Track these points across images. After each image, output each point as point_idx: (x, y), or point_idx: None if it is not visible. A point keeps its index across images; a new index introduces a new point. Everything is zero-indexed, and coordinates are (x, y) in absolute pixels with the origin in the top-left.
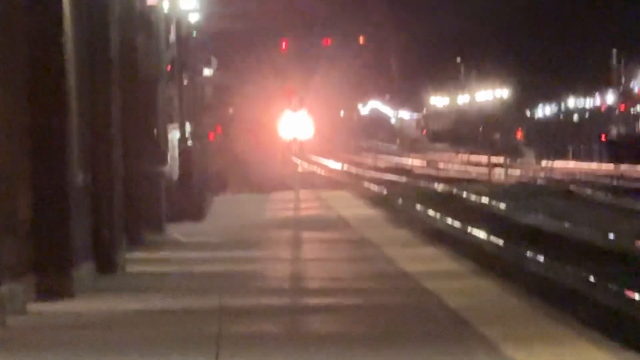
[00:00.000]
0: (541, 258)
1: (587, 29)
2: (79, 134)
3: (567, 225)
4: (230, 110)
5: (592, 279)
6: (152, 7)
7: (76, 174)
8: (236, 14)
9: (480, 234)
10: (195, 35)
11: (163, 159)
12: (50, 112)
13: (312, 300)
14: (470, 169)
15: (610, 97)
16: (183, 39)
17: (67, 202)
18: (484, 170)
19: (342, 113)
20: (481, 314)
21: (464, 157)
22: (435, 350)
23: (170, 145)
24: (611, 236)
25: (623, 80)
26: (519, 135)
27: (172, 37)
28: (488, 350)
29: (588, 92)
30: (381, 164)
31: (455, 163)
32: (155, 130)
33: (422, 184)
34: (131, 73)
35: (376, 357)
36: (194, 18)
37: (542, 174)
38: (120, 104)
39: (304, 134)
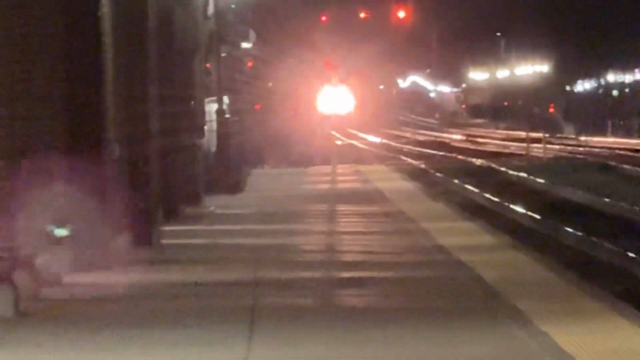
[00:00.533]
0: (578, 232)
1: (627, 3)
2: (115, 107)
3: (604, 200)
4: (270, 84)
5: (629, 254)
6: None
7: (113, 147)
8: None
9: (518, 208)
10: (233, 7)
11: (200, 132)
12: (87, 84)
13: (347, 274)
14: (509, 143)
15: None
16: (221, 11)
17: (102, 174)
18: (523, 145)
19: (381, 87)
20: (515, 287)
21: (503, 132)
22: (469, 324)
23: (208, 118)
24: None
25: None
26: (552, 109)
27: (211, 9)
28: (522, 323)
29: (627, 67)
30: (420, 138)
31: (495, 138)
32: (192, 103)
33: (460, 158)
34: (168, 45)
35: (410, 330)
36: None
37: (581, 149)
38: (157, 77)
39: (344, 109)
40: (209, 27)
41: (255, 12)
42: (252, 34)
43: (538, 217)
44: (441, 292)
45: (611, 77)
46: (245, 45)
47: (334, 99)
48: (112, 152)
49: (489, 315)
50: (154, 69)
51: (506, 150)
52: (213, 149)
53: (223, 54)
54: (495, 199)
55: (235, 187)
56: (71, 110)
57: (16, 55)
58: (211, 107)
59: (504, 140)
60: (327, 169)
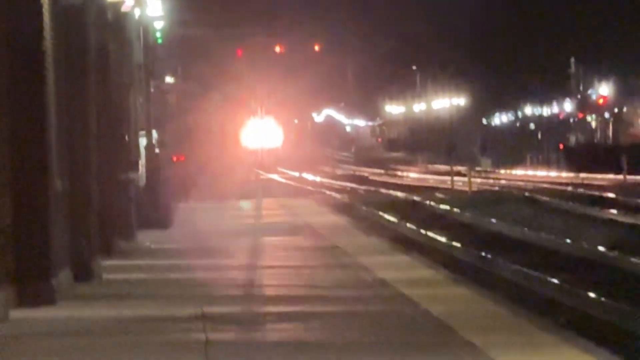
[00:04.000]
0: (515, 266)
1: (543, 38)
2: (57, 141)
3: (535, 233)
4: (192, 118)
5: (565, 286)
6: (124, 14)
7: (55, 181)
8: (196, 22)
9: (450, 242)
10: (160, 42)
11: (135, 166)
12: (30, 120)
13: (294, 308)
14: (429, 177)
15: (568, 106)
16: (150, 46)
17: (47, 209)
18: (443, 178)
19: (295, 121)
20: (465, 321)
21: (422, 165)
22: (424, 358)
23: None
24: (580, 244)
25: (581, 88)
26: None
27: (140, 43)
28: (476, 356)
29: (545, 100)
30: (339, 172)
31: (414, 171)
32: (126, 137)
33: (384, 192)
34: (104, 79)
35: None
36: (159, 25)
37: (503, 182)
38: (95, 111)
39: (271, 142)
40: (139, 62)
41: (180, 47)
42: (179, 69)
43: (473, 251)
44: (392, 327)
45: (528, 110)
46: (170, 80)
47: (260, 132)
48: (55, 187)
49: (445, 349)
50: (93, 103)
51: (427, 184)
52: (142, 183)
53: (151, 89)
54: (428, 233)
55: (166, 221)
56: (14, 145)
57: None
58: (141, 142)
59: (424, 173)
60: (252, 203)
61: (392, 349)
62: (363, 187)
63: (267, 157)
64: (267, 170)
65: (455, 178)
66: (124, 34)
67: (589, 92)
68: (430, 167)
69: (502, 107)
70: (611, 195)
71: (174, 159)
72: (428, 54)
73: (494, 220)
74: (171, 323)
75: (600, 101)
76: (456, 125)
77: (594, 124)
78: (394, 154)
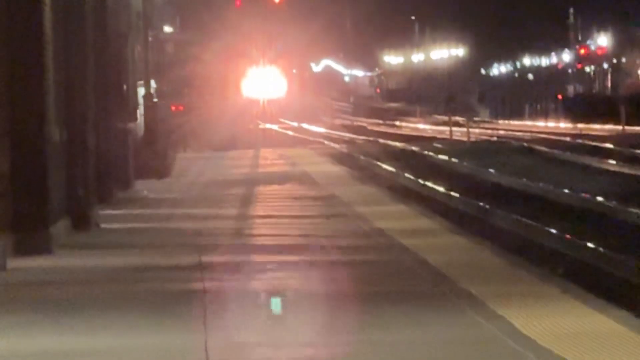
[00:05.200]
0: (512, 215)
1: None
2: (55, 90)
3: (531, 182)
4: (191, 68)
5: (563, 235)
6: None
7: (53, 131)
8: None
9: (448, 191)
10: None
11: (133, 116)
12: (28, 68)
13: (291, 257)
14: (428, 127)
15: (567, 56)
16: None
17: (44, 158)
18: (441, 128)
19: (294, 71)
20: (462, 271)
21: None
22: (424, 308)
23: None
24: (578, 194)
25: (579, 38)
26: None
27: None
28: (475, 306)
29: (544, 51)
30: (337, 122)
31: (411, 121)
32: (125, 87)
33: (382, 142)
34: (101, 28)
35: (365, 315)
36: None
37: (501, 132)
38: (93, 61)
39: (274, 92)
40: (137, 10)
41: None
42: (177, 18)
43: (471, 200)
44: (389, 276)
45: (527, 60)
46: (169, 29)
47: (262, 82)
48: (52, 136)
49: (442, 298)
50: (91, 52)
51: (426, 135)
52: (140, 133)
53: (149, 38)
54: (426, 183)
55: (164, 170)
56: (11, 93)
57: None
58: (139, 91)
59: (423, 123)
60: (251, 152)
61: (389, 298)
62: (361, 137)
63: (270, 107)
64: (269, 121)
65: (454, 128)
66: None
67: (588, 42)
68: (429, 117)
69: (501, 57)
70: (609, 145)
71: (173, 108)
72: (426, 4)
73: (492, 170)
74: (169, 272)
75: (599, 52)
76: (454, 75)
77: (592, 75)
78: (393, 104)
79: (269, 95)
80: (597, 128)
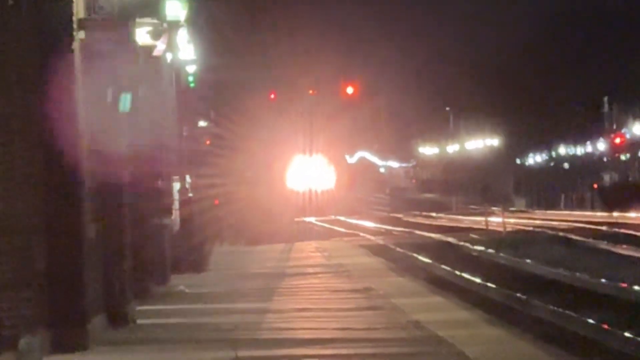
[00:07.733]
0: (550, 306)
1: (576, 76)
2: (90, 186)
3: (568, 272)
4: (228, 162)
5: (604, 326)
6: (156, 58)
7: (89, 226)
8: (229, 65)
9: (485, 282)
10: (193, 86)
11: (168, 210)
12: (66, 165)
13: (328, 351)
14: (462, 217)
15: (602, 145)
16: (182, 90)
17: (81, 254)
18: (477, 219)
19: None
20: None
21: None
22: None
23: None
24: (615, 283)
25: (614, 127)
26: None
27: (172, 88)
28: None
29: (578, 139)
30: (374, 213)
31: (447, 213)
32: (160, 182)
33: (418, 233)
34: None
35: None
36: (191, 69)
37: (537, 222)
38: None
39: (323, 183)
40: (172, 106)
41: (212, 91)
42: (212, 113)
43: (507, 291)
44: None
45: (562, 149)
46: (203, 124)
47: (309, 172)
48: (89, 231)
49: None
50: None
51: (462, 225)
52: (176, 227)
53: (184, 133)
54: (463, 274)
55: (199, 265)
56: (49, 190)
57: None
58: (174, 186)
59: (458, 215)
60: (287, 246)
61: None
62: (398, 229)
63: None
64: (307, 214)
65: (490, 218)
66: (157, 79)
67: (623, 130)
68: (465, 208)
69: (536, 147)
70: None
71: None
72: (460, 95)
73: (528, 261)
74: None
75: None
76: (489, 165)
77: (628, 163)
78: (429, 195)
79: (319, 187)
80: (633, 217)
